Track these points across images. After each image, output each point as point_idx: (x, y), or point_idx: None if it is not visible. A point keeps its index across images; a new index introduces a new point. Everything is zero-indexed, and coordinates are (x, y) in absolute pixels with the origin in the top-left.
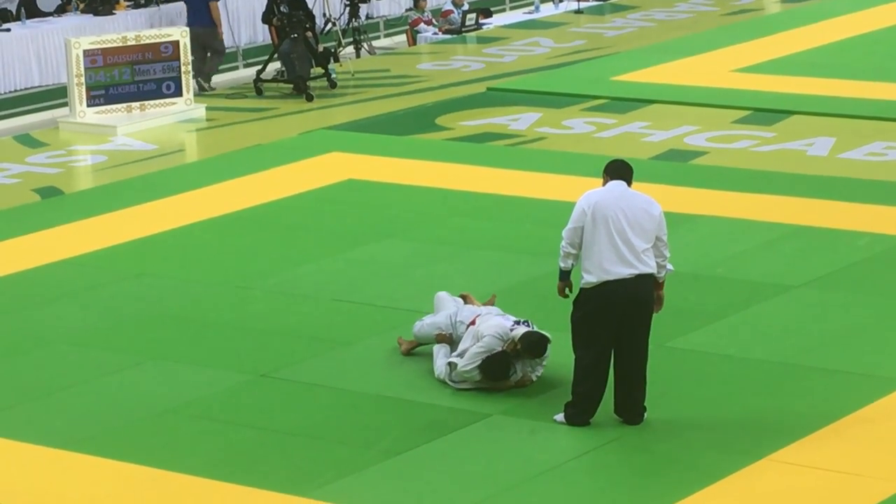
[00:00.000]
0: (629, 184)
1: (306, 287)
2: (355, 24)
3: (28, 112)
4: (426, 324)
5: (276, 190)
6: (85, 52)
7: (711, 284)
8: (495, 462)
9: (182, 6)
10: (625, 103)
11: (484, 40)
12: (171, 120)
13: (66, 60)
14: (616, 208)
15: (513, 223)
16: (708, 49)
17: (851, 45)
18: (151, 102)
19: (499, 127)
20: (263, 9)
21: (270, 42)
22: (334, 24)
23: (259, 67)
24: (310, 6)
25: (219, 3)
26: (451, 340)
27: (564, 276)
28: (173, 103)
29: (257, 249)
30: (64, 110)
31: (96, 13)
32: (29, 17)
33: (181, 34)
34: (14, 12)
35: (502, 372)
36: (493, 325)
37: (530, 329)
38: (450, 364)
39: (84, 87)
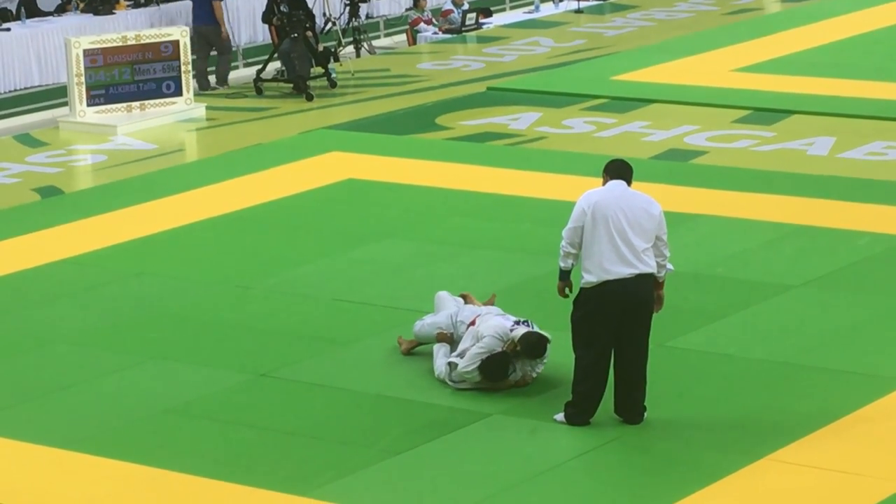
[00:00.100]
0: (629, 183)
1: (306, 287)
2: (355, 23)
3: (28, 111)
4: (426, 323)
5: (276, 190)
6: (85, 51)
7: (711, 284)
8: (495, 462)
9: (182, 5)
10: (625, 103)
11: (484, 40)
12: (171, 119)
13: (66, 60)
14: (616, 208)
15: (513, 223)
16: (708, 49)
17: (851, 44)
18: (151, 102)
19: (499, 126)
20: (263, 8)
21: (270, 41)
22: (334, 24)
23: (259, 67)
24: (310, 6)
25: (222, 3)
26: (451, 340)
27: (564, 275)
28: (173, 103)
29: (257, 249)
30: (64, 110)
31: (96, 13)
32: (29, 16)
33: (181, 34)
34: (14, 12)
35: (502, 372)
36: (493, 326)
37: (530, 330)
38: (450, 364)
39: (84, 86)
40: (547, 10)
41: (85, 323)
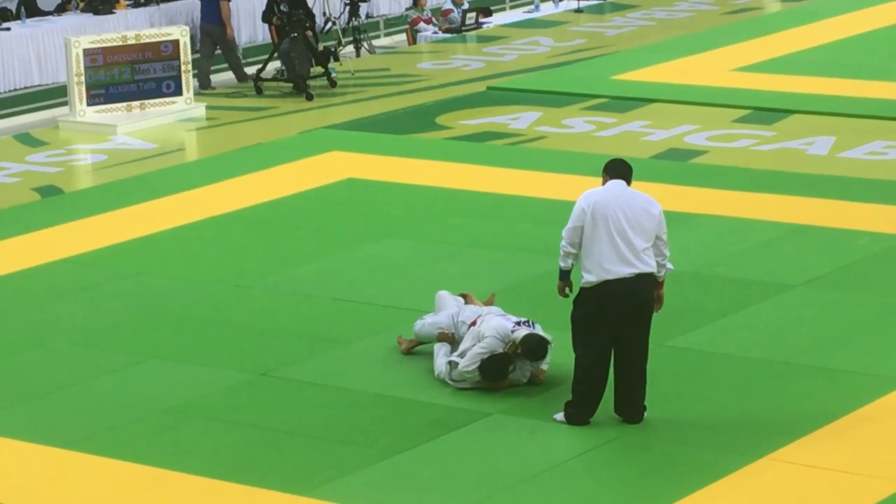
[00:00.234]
0: (629, 183)
1: (306, 286)
2: (355, 23)
3: (28, 111)
4: (427, 323)
5: (276, 189)
6: (85, 51)
7: (711, 284)
8: (495, 461)
9: (182, 5)
10: (625, 102)
11: (484, 39)
12: (171, 119)
13: (66, 59)
14: (616, 207)
15: (513, 222)
16: (708, 48)
17: (851, 44)
18: (151, 101)
19: (499, 126)
20: (263, 8)
21: (270, 41)
22: (334, 23)
23: (259, 66)
24: (310, 5)
25: (229, 3)
26: (453, 340)
27: (564, 275)
28: (173, 102)
29: (257, 248)
30: (64, 109)
31: (96, 12)
32: (29, 16)
33: (181, 33)
34: (14, 11)
35: (502, 373)
36: (495, 326)
37: (531, 332)
38: (450, 363)
39: (84, 86)
40: (547, 9)
41: (85, 323)
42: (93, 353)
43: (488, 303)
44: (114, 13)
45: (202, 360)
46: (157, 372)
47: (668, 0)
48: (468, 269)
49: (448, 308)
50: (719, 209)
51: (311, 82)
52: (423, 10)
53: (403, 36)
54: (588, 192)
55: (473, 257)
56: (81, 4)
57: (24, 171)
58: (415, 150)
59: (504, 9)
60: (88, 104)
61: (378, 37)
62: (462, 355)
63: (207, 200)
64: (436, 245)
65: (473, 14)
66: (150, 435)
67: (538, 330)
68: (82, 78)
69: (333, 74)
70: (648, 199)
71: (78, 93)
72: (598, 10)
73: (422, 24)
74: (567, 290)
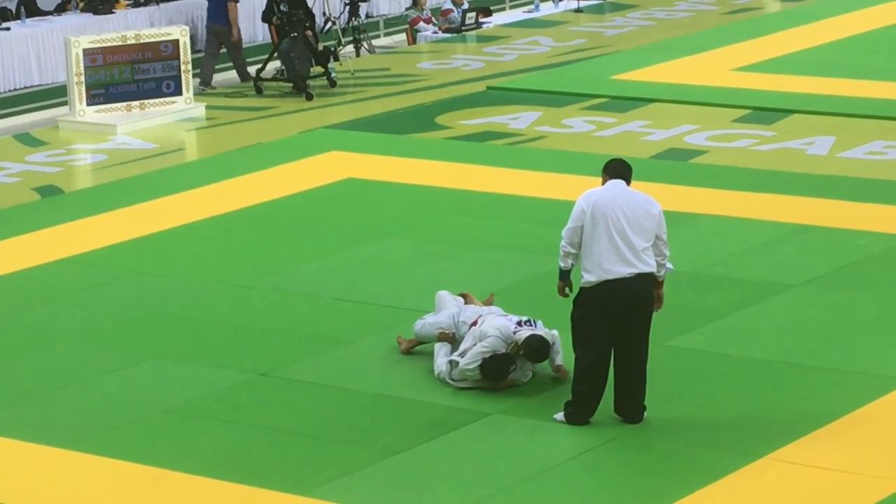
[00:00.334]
0: (628, 183)
1: (306, 286)
2: (355, 22)
3: (28, 111)
4: (427, 323)
5: (276, 189)
6: (85, 50)
7: (711, 283)
8: (495, 461)
9: (182, 5)
10: (624, 102)
11: (484, 39)
12: (171, 119)
13: (66, 59)
14: (615, 207)
15: (512, 222)
16: (708, 48)
17: (851, 43)
18: (151, 101)
19: (498, 126)
20: (263, 7)
21: (270, 41)
22: (334, 23)
23: (259, 66)
24: (310, 5)
25: (237, 5)
26: (453, 340)
27: (564, 275)
28: (173, 102)
29: (257, 248)
30: (64, 109)
31: (96, 12)
32: (29, 15)
33: (181, 33)
34: (14, 11)
35: (502, 373)
36: (497, 326)
37: (533, 333)
38: (451, 362)
39: (84, 85)
40: (547, 9)
41: (85, 323)
42: (93, 353)
43: (487, 302)
44: (114, 13)
45: (202, 360)
46: (157, 372)
47: (667, 0)
48: (468, 269)
49: (448, 308)
50: (719, 209)
51: (310, 82)
52: (422, 9)
53: (403, 36)
54: (588, 192)
55: (473, 257)
56: (81, 4)
57: (24, 170)
58: (414, 150)
59: (504, 9)
60: (88, 104)
61: (378, 36)
62: (463, 355)
63: (207, 200)
64: (436, 245)
65: (473, 14)
66: (150, 435)
67: (540, 328)
68: (82, 78)
69: (333, 74)
70: (648, 198)
71: (78, 93)
72: (597, 9)
73: (422, 24)
74: (567, 290)
